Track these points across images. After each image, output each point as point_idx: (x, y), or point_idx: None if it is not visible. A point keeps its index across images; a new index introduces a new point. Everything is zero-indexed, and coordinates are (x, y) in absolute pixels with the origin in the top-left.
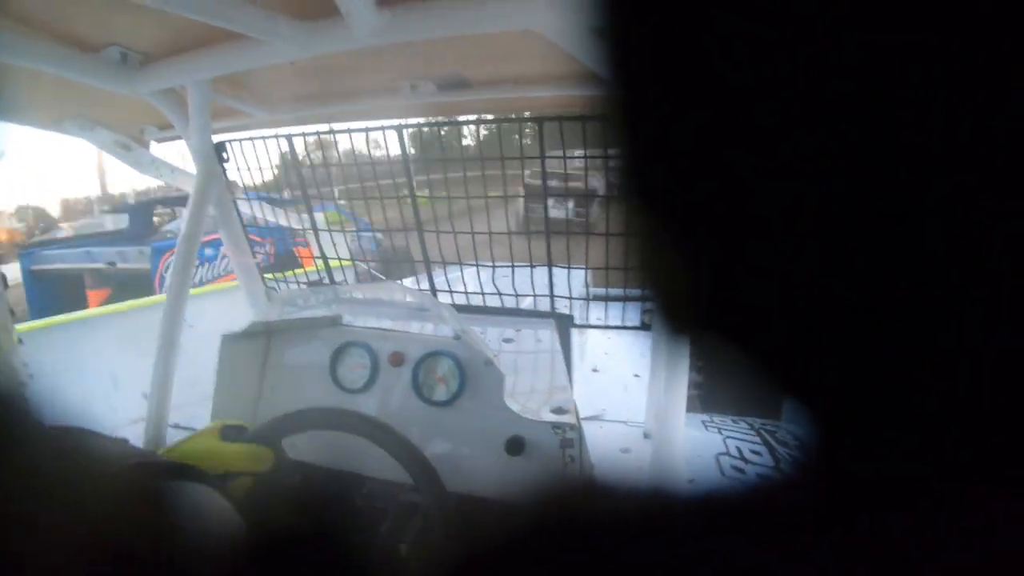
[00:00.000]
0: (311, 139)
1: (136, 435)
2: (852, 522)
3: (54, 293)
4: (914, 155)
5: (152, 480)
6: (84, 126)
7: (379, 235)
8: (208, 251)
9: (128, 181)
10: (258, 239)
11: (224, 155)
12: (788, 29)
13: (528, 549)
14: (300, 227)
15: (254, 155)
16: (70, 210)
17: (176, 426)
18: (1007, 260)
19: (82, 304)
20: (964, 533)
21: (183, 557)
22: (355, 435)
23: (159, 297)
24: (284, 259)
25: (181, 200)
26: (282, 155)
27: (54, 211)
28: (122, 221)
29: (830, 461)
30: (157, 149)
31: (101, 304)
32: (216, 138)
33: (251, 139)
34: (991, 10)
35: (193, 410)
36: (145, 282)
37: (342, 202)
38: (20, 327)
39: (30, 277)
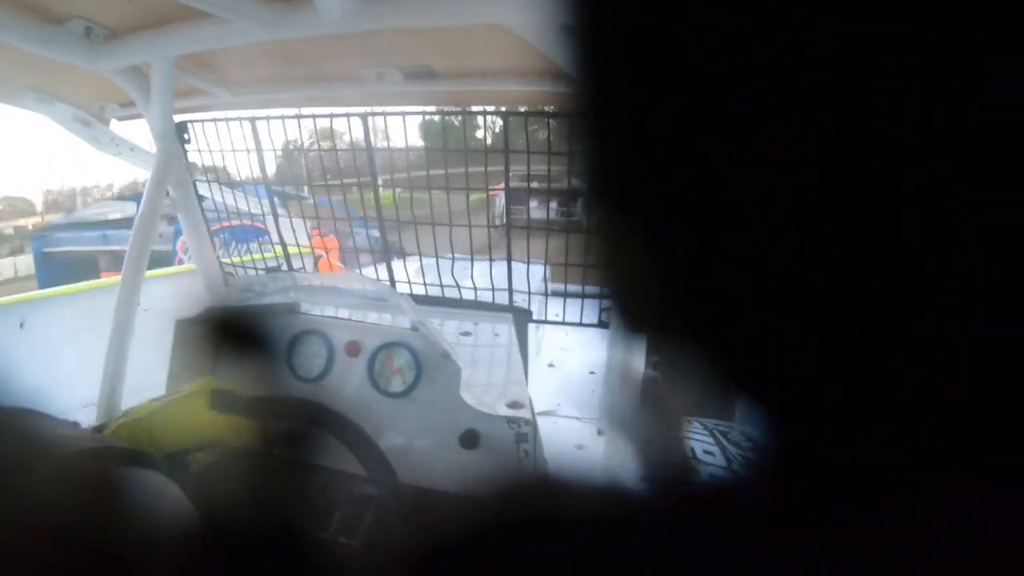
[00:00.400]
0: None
1: (88, 419)
2: (805, 519)
3: (66, 275)
4: (862, 162)
5: (100, 467)
6: (43, 100)
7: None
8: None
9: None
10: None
11: (185, 136)
12: (754, 30)
13: (481, 542)
14: (260, 212)
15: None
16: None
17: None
18: (961, 257)
19: None
20: (922, 528)
21: (130, 544)
22: (311, 425)
23: (114, 279)
24: None
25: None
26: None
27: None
28: (131, 208)
29: (784, 460)
30: (117, 127)
31: None
32: (178, 118)
33: (214, 120)
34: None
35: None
36: (166, 263)
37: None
38: None
39: (42, 259)
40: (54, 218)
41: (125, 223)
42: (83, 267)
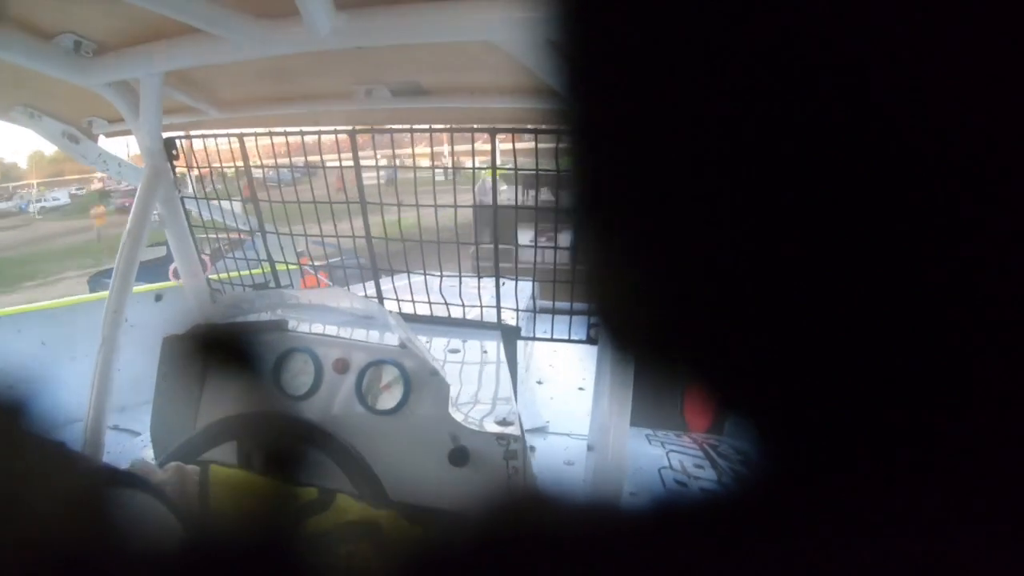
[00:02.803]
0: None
1: (73, 437)
2: (794, 534)
3: None
4: (848, 183)
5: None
6: (32, 115)
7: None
8: None
9: None
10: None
11: (173, 151)
12: (739, 48)
13: (471, 560)
14: (247, 228)
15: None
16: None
17: (115, 427)
18: (955, 268)
19: None
20: (910, 542)
21: (120, 564)
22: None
23: (101, 294)
24: None
25: None
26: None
27: None
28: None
29: (772, 475)
30: (105, 143)
31: None
32: (166, 134)
33: (202, 136)
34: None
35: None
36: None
37: None
38: None
39: None
40: None
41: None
42: None
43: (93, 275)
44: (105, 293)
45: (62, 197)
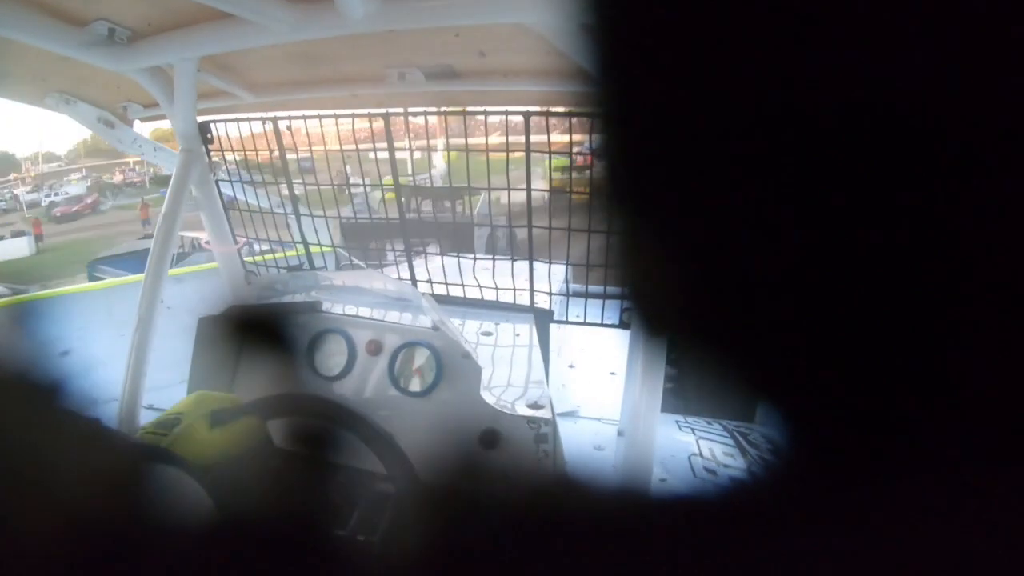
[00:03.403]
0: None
1: (110, 415)
2: (824, 523)
3: None
4: (895, 162)
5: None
6: (67, 101)
7: None
8: None
9: None
10: None
11: (208, 135)
12: (777, 31)
13: (497, 541)
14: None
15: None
16: None
17: (150, 407)
18: (990, 260)
19: None
20: (939, 531)
21: (152, 540)
22: (332, 424)
23: (138, 276)
24: None
25: None
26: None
27: None
28: None
29: (802, 463)
30: (140, 127)
31: None
32: (200, 118)
33: (236, 120)
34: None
35: (170, 392)
36: None
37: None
38: None
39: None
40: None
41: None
42: None
43: (91, 262)
44: (140, 277)
45: (73, 190)
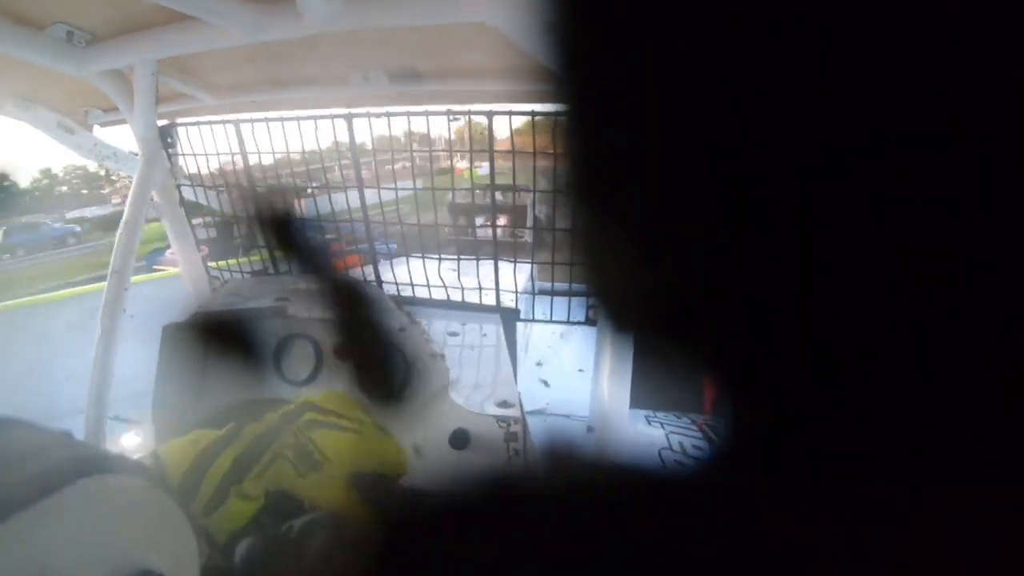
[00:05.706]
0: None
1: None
2: (771, 508)
3: None
4: (842, 161)
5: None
6: (26, 107)
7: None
8: None
9: None
10: None
11: (169, 139)
12: (744, 28)
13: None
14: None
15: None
16: None
17: (116, 417)
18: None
19: None
20: (895, 519)
21: None
22: None
23: (98, 285)
24: None
25: None
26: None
27: None
28: None
29: (748, 451)
30: (100, 132)
31: None
32: (161, 122)
33: (197, 124)
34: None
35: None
36: None
37: None
38: None
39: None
40: None
41: None
42: None
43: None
44: (100, 286)
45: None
